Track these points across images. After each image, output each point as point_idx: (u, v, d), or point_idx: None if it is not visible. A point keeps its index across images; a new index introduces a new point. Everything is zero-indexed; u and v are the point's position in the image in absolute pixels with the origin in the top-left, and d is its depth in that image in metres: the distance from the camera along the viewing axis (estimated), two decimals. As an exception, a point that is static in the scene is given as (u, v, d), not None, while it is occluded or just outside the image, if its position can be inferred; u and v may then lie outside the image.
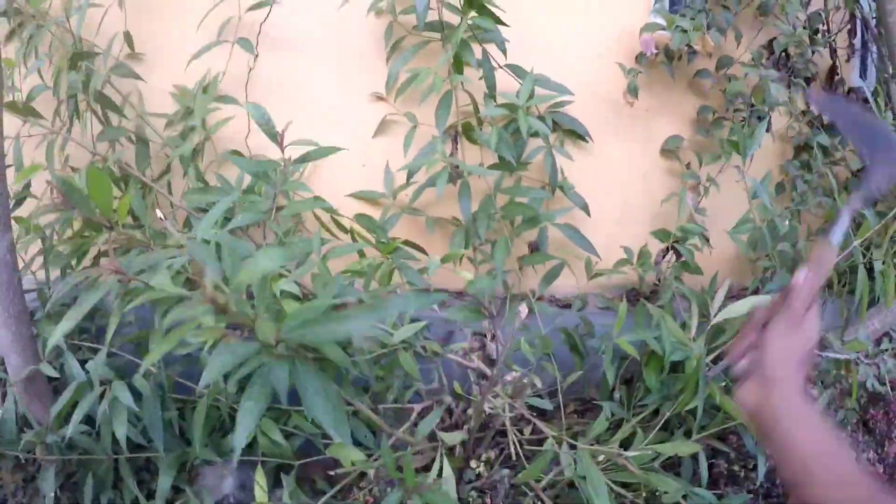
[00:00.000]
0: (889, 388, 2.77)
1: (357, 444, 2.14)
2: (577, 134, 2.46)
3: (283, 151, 1.95)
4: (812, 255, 0.91)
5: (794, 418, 0.81)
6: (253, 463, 1.98)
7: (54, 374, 1.95)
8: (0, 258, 1.81)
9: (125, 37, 2.40)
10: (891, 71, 3.03)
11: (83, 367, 1.93)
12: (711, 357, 2.19)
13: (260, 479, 1.85)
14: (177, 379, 2.05)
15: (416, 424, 2.13)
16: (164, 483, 1.99)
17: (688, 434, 2.15)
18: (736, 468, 2.36)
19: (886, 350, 2.79)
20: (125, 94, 2.38)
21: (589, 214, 2.44)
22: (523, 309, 1.96)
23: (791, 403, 0.82)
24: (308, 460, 2.10)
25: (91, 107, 2.21)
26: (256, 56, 2.40)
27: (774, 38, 2.83)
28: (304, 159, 2.15)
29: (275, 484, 2.07)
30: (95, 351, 1.96)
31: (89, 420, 1.91)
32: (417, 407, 2.16)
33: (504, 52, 2.30)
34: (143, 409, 1.89)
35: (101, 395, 1.84)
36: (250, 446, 2.03)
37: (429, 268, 2.06)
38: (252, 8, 2.36)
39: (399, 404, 2.17)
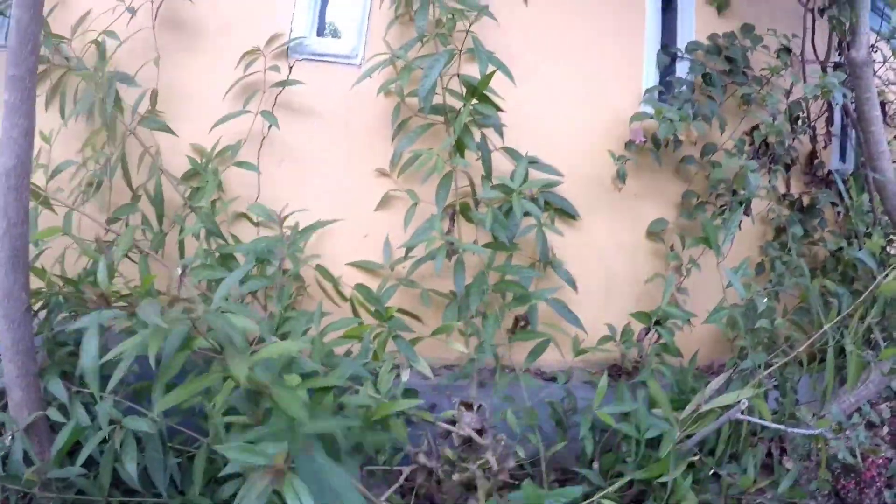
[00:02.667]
0: (860, 460, 2.89)
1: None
2: (567, 213, 2.62)
3: (281, 230, 2.11)
4: None
5: None
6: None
7: (61, 418, 2.03)
8: (15, 297, 1.91)
9: (151, 94, 2.55)
10: (867, 155, 3.21)
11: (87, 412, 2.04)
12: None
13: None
14: (176, 427, 2.15)
15: (402, 486, 2.25)
16: (161, 529, 2.07)
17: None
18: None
19: (857, 424, 2.91)
20: (147, 147, 2.52)
21: (576, 291, 2.58)
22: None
23: None
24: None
25: (110, 181, 2.36)
26: (270, 126, 2.57)
27: (756, 125, 3.00)
28: (307, 230, 2.31)
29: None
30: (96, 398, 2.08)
31: (87, 463, 2.00)
32: (406, 470, 2.27)
33: (501, 135, 2.47)
34: (147, 452, 2.00)
35: (104, 438, 1.95)
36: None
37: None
38: (276, 85, 2.53)
39: (389, 466, 2.28)
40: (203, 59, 2.63)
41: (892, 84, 3.97)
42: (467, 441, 2.33)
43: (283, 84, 2.55)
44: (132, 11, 2.50)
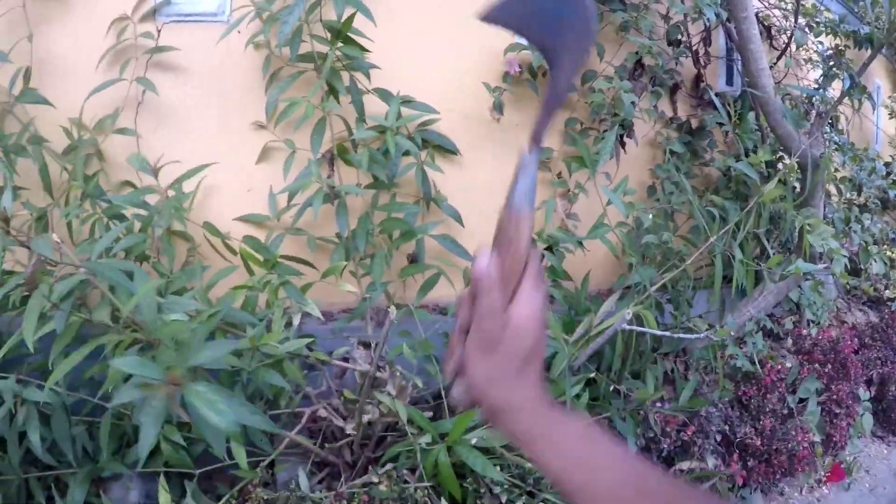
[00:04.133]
0: (759, 367, 3.01)
1: (254, 447, 2.25)
2: (447, 149, 2.65)
3: (156, 177, 2.12)
4: (496, 229, 0.67)
5: (542, 441, 0.65)
6: (158, 474, 2.09)
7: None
8: None
9: (24, 72, 2.47)
10: (748, 74, 3.30)
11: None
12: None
13: (163, 488, 1.97)
14: (84, 397, 2.14)
15: (308, 427, 2.28)
16: (76, 497, 2.05)
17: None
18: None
19: (753, 332, 3.02)
20: (25, 123, 2.44)
21: (462, 225, 2.62)
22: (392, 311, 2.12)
23: (529, 427, 0.65)
24: (209, 468, 2.21)
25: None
26: (144, 92, 2.53)
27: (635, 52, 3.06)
28: (182, 179, 2.30)
29: (180, 494, 2.17)
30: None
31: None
32: (307, 410, 2.29)
33: (368, 77, 2.48)
34: (53, 425, 1.99)
35: (11, 416, 1.93)
36: (154, 457, 2.13)
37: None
38: (149, 52, 2.48)
39: (290, 409, 2.30)
40: (73, 31, 2.57)
41: (775, 7, 4.09)
42: (366, 378, 2.36)
43: (154, 51, 2.51)
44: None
